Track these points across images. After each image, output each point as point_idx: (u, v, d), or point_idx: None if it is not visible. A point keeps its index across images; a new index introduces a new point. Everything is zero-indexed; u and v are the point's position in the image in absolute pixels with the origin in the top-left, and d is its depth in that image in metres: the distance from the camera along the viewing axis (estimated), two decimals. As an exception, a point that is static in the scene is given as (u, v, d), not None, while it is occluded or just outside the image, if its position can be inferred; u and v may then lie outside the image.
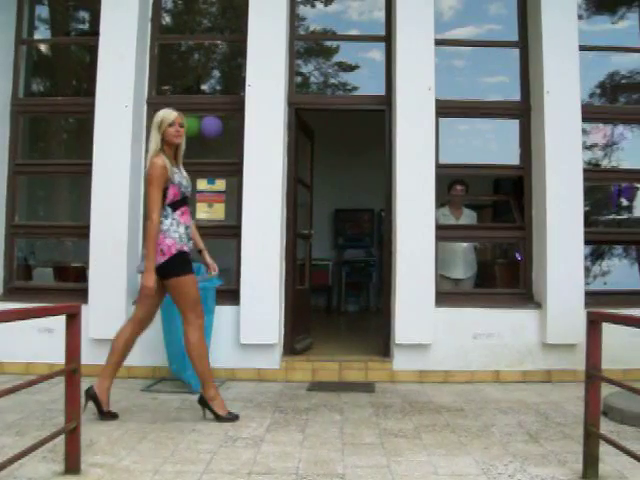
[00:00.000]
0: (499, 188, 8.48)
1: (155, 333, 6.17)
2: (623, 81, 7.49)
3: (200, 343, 4.74)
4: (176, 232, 4.64)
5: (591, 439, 3.68)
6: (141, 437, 4.36)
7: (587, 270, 7.02)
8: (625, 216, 7.67)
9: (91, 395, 4.74)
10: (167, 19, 7.27)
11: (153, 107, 6.77)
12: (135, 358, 6.28)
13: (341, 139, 11.02)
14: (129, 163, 6.42)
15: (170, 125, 4.62)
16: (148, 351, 6.32)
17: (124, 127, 6.46)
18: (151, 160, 4.62)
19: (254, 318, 6.31)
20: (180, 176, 4.71)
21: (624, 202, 7.57)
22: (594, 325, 3.72)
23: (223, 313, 6.32)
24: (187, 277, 4.65)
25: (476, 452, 4.14)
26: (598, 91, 7.38)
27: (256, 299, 6.31)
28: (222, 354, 6.32)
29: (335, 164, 11.47)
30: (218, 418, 4.75)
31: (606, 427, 4.68)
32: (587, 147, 7.21)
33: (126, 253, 6.39)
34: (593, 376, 3.71)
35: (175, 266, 4.61)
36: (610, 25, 7.41)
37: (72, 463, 3.61)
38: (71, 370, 3.63)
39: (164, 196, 4.61)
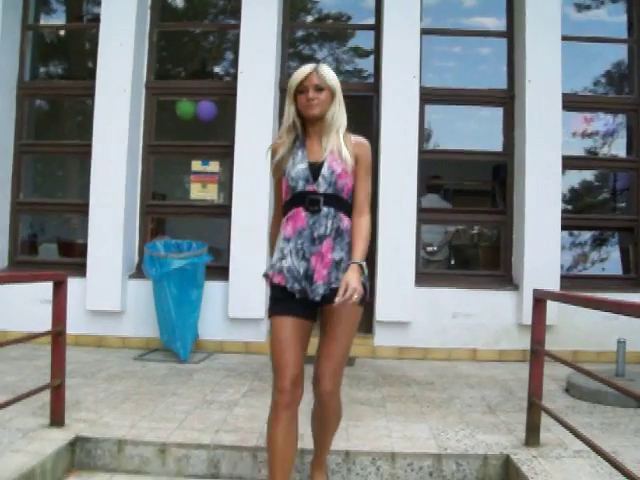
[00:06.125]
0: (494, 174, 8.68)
1: (148, 307, 6.54)
2: (608, 70, 7.66)
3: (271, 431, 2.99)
4: (278, 247, 3.14)
5: (533, 409, 3.98)
6: (124, 398, 4.72)
7: (566, 254, 7.26)
8: (619, 203, 7.89)
9: None
10: (166, 7, 7.53)
11: (151, 91, 7.15)
12: (130, 330, 6.72)
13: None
14: (126, 145, 6.75)
15: (299, 91, 3.05)
16: (142, 323, 6.69)
17: (122, 110, 6.78)
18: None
19: (242, 294, 6.63)
20: (297, 162, 3.07)
21: (619, 190, 7.79)
22: (539, 303, 3.99)
23: (213, 288, 6.65)
24: (272, 319, 3.06)
25: (433, 420, 4.45)
26: (581, 80, 7.54)
27: (244, 276, 6.62)
28: (211, 327, 6.68)
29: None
30: None
31: (565, 402, 5.04)
32: (572, 135, 7.44)
33: (123, 232, 6.72)
34: (537, 351, 3.99)
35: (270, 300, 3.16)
36: (596, 16, 7.59)
37: (57, 417, 3.98)
38: (57, 332, 3.98)
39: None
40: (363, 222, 3.07)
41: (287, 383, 2.92)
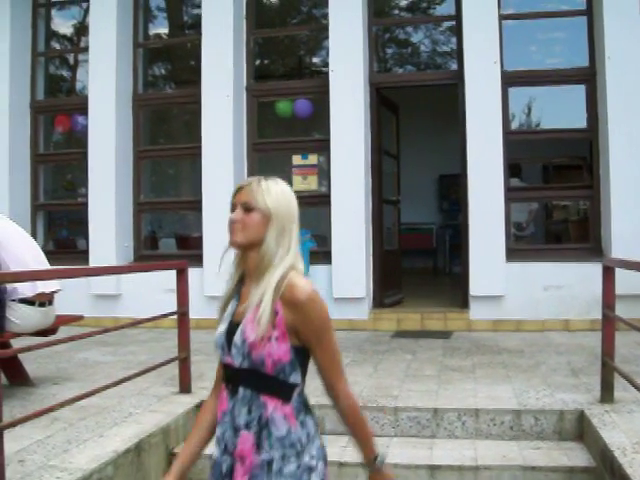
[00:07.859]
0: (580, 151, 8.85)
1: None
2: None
3: None
4: None
5: (606, 369, 4.34)
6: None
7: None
8: None
9: None
10: (259, 15, 8.15)
11: (251, 93, 7.80)
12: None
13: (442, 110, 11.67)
14: (231, 144, 7.45)
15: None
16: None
17: (227, 113, 7.48)
18: None
19: (344, 276, 7.22)
20: (223, 320, 2.11)
21: None
22: (608, 271, 4.34)
23: (318, 272, 7.23)
24: None
25: (517, 382, 4.86)
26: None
27: (345, 259, 7.20)
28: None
29: (438, 132, 12.06)
30: None
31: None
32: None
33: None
34: (607, 315, 4.34)
35: None
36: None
37: (184, 385, 4.70)
38: (182, 313, 4.67)
39: None
40: (345, 402, 2.05)
41: None
